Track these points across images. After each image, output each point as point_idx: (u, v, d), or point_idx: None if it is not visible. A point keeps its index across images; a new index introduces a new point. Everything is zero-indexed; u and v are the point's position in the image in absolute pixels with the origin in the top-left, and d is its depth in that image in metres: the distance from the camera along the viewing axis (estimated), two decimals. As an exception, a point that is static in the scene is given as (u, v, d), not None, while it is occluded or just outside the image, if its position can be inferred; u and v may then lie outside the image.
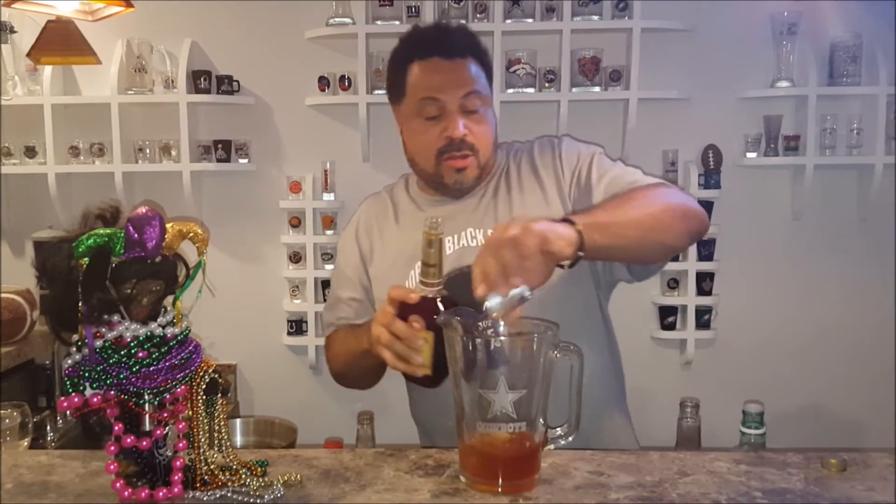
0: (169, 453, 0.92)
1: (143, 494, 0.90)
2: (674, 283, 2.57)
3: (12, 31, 2.36)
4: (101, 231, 0.88)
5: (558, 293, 1.27)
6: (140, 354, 0.88)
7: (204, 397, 0.93)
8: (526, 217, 1.15)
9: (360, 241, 1.53)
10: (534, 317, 1.03)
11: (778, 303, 2.60)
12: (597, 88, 2.44)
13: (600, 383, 1.42)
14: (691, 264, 2.50)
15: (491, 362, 0.95)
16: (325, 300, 2.60)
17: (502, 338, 1.02)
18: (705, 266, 2.51)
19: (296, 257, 2.60)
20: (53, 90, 2.43)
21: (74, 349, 0.89)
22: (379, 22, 2.44)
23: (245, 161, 2.58)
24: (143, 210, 0.89)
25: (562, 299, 1.30)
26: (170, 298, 0.92)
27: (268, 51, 2.56)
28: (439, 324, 1.02)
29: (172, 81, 2.45)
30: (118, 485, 0.90)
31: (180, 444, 0.92)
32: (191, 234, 0.93)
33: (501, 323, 1.00)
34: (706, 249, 2.52)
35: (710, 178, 2.51)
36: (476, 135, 1.38)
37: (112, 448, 0.90)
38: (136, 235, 0.87)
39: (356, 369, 1.45)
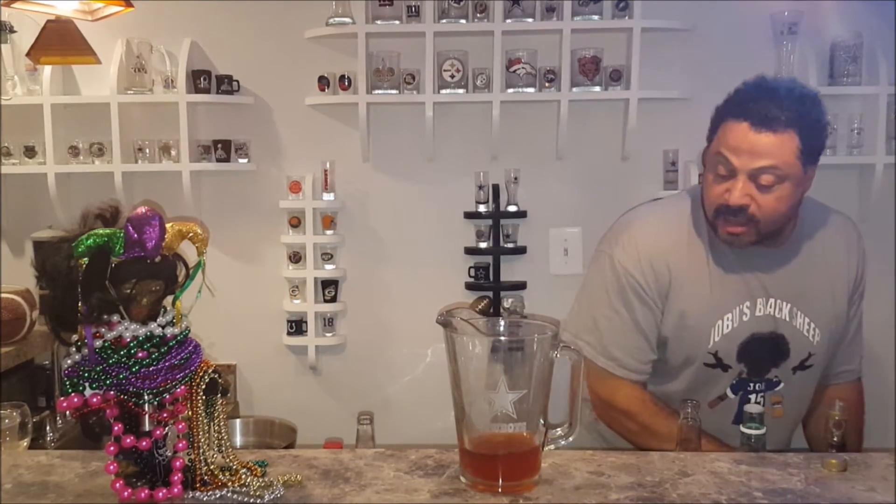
0: (169, 453, 0.92)
1: (142, 495, 0.90)
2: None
3: (12, 30, 2.36)
4: (101, 231, 0.88)
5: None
6: (140, 354, 0.88)
7: (204, 397, 0.93)
8: None
9: (664, 268, 1.50)
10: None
11: (778, 303, 2.59)
12: (597, 88, 2.44)
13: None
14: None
15: None
16: (324, 300, 2.60)
17: (502, 337, 1.02)
18: (705, 266, 2.51)
19: (296, 257, 2.60)
20: (53, 90, 2.43)
21: (74, 349, 0.89)
22: (379, 21, 2.44)
23: (245, 161, 2.57)
24: (143, 210, 0.88)
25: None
26: (169, 298, 0.92)
27: (267, 50, 2.56)
28: (438, 323, 1.02)
29: (172, 81, 2.45)
30: (118, 485, 0.90)
31: (180, 445, 0.92)
32: (190, 234, 0.93)
33: None
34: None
35: (711, 177, 2.51)
36: (762, 207, 1.39)
37: (112, 448, 0.89)
38: (135, 235, 0.87)
39: (640, 439, 1.53)
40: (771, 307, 1.49)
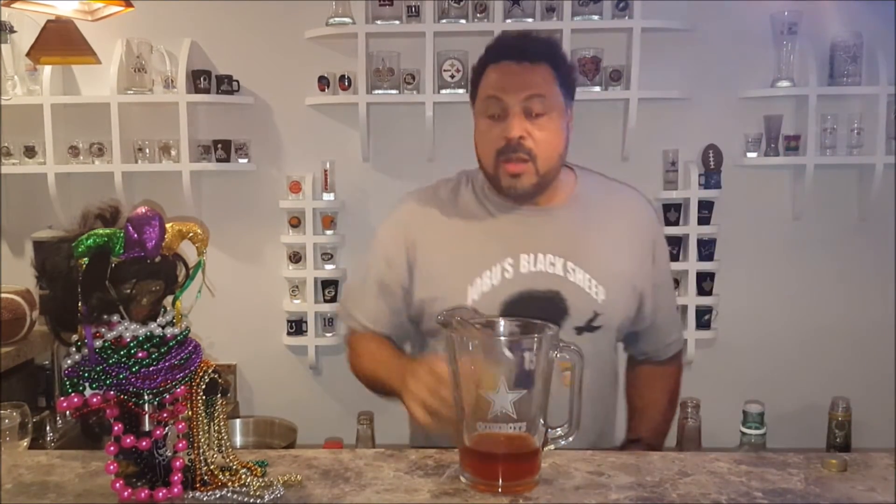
0: (168, 453, 0.92)
1: (142, 495, 0.90)
2: (674, 284, 2.56)
3: (12, 30, 2.36)
4: (101, 231, 0.88)
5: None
6: (140, 354, 0.88)
7: (204, 397, 0.93)
8: None
9: (407, 236, 1.51)
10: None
11: (778, 303, 2.59)
12: (597, 88, 2.44)
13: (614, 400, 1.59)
14: (691, 264, 2.50)
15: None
16: (324, 300, 2.60)
17: (502, 337, 1.02)
18: (705, 266, 2.51)
19: (295, 257, 2.60)
20: (53, 90, 2.43)
21: (74, 349, 0.89)
22: (379, 22, 2.44)
23: (245, 161, 2.57)
24: (143, 210, 0.88)
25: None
26: (169, 298, 0.92)
27: (268, 50, 2.56)
28: (438, 322, 1.02)
29: (172, 81, 2.45)
30: (118, 485, 0.90)
31: (180, 445, 0.92)
32: (190, 234, 0.93)
33: None
34: (706, 250, 2.51)
35: (711, 177, 2.51)
36: (536, 141, 1.40)
37: (112, 448, 0.89)
38: (135, 235, 0.87)
39: (378, 388, 1.54)
40: (541, 263, 1.45)
